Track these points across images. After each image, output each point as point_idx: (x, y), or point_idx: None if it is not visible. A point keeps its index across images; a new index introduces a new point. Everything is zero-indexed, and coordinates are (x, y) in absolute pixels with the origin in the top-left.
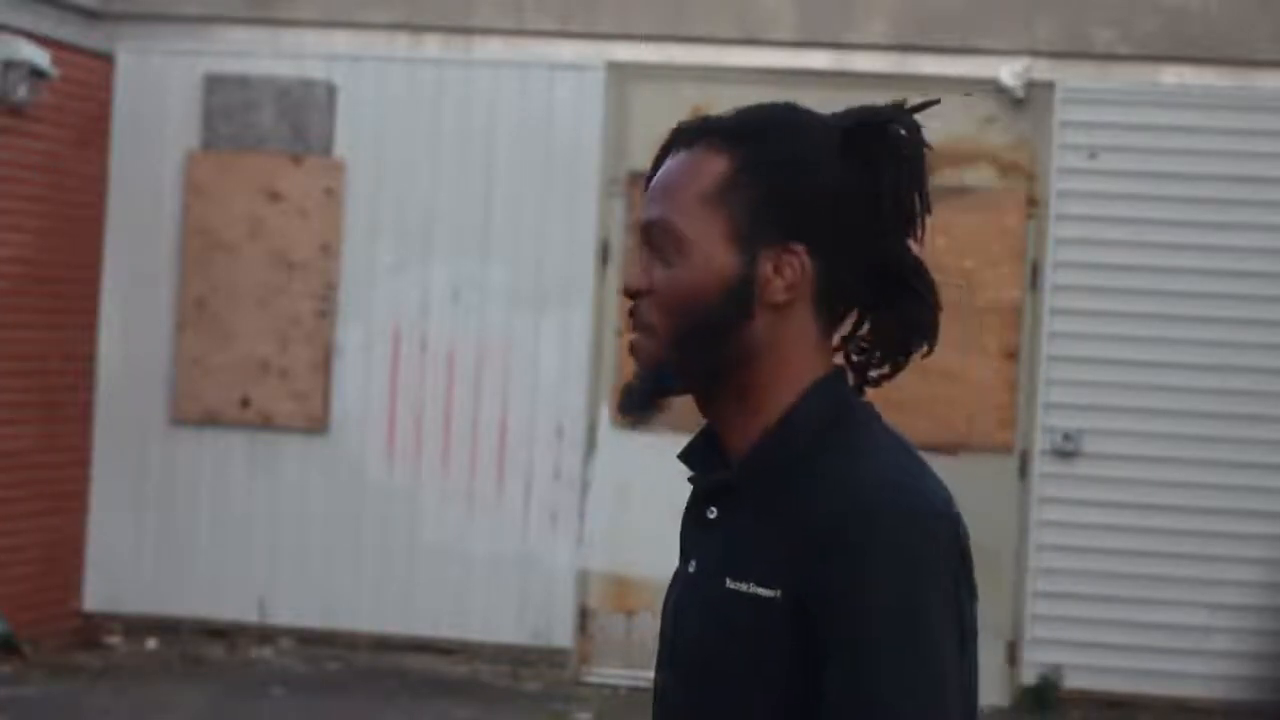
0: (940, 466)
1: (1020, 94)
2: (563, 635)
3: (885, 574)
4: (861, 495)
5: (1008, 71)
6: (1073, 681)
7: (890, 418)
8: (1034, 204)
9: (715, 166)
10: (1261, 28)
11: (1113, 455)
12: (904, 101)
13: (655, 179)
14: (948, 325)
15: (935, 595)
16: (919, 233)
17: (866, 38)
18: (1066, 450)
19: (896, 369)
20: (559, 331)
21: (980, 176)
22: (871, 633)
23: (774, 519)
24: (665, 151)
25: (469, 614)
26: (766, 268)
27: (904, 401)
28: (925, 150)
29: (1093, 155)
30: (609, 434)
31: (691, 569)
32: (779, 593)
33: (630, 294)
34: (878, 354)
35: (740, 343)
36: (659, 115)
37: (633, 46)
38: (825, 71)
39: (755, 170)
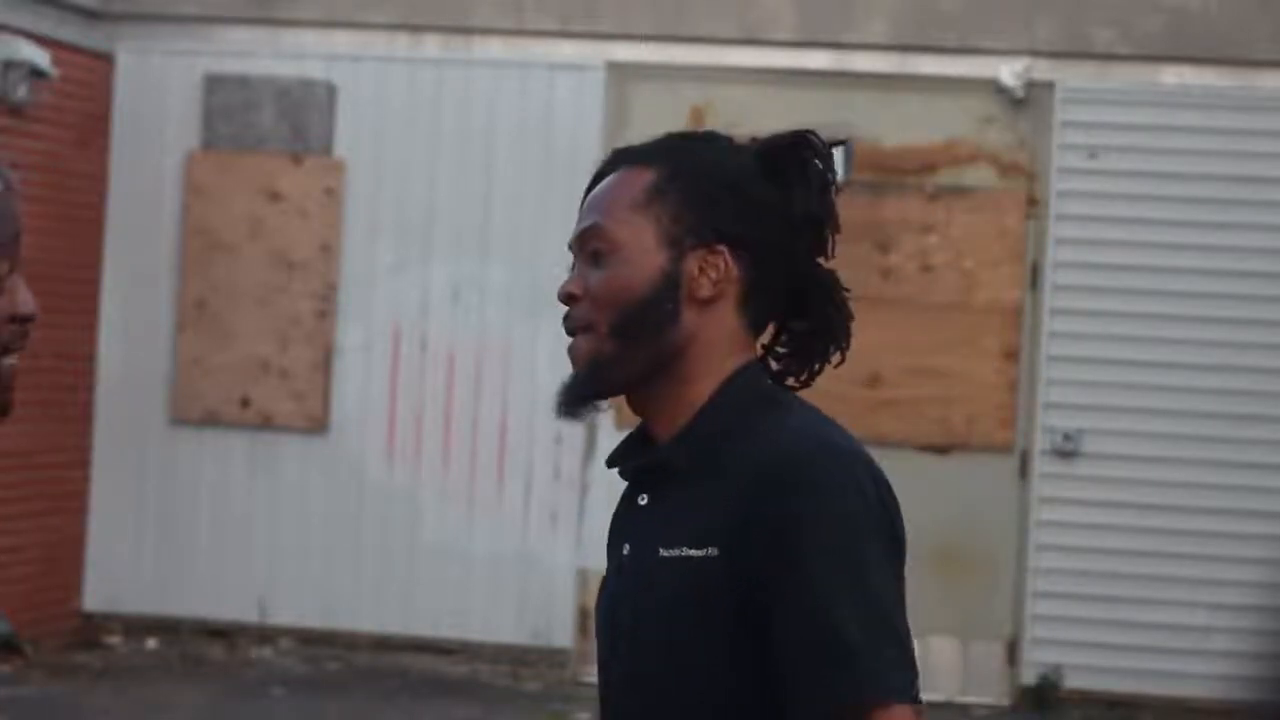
0: (940, 466)
1: (1020, 94)
2: (563, 635)
3: (818, 504)
4: (789, 444)
5: (1008, 71)
6: (1073, 681)
7: (890, 417)
8: (1034, 204)
9: (642, 178)
10: (1261, 28)
11: (1113, 455)
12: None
13: (588, 199)
14: (948, 325)
15: (872, 525)
16: (829, 251)
17: (866, 38)
18: (1066, 450)
19: (812, 376)
20: (559, 332)
21: (980, 176)
22: (812, 561)
23: (704, 485)
24: (595, 181)
25: (469, 614)
26: (693, 266)
27: (904, 401)
28: (833, 176)
29: (1093, 155)
30: (609, 434)
31: (625, 552)
32: (712, 550)
33: (565, 299)
34: (794, 361)
35: (671, 336)
36: (659, 115)
37: (633, 46)
38: (825, 71)
39: (678, 179)
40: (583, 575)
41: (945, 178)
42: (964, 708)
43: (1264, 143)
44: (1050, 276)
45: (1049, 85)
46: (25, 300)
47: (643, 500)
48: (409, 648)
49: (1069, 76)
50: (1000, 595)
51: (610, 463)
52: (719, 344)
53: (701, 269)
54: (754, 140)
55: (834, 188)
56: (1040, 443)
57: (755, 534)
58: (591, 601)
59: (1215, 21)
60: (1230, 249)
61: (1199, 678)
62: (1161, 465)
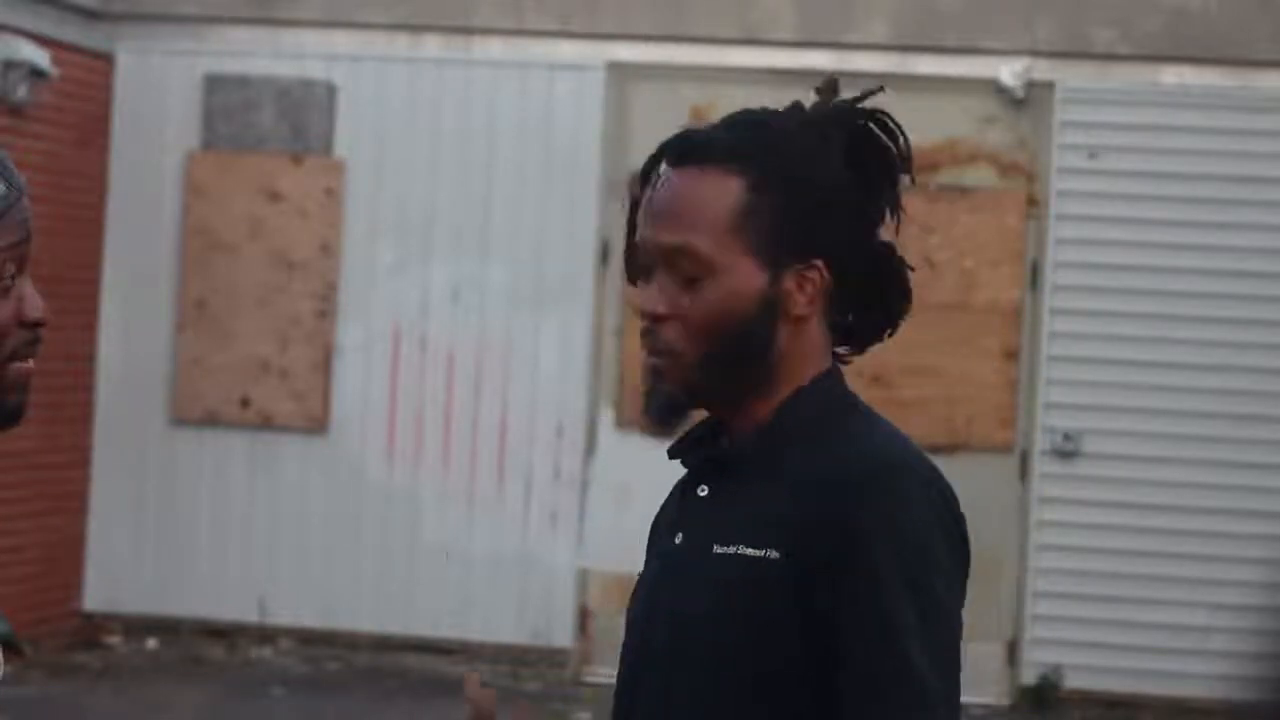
0: (941, 467)
1: (1020, 94)
2: (563, 635)
3: (893, 519)
4: (864, 455)
5: (1008, 71)
6: (1073, 681)
7: (891, 417)
8: (1034, 204)
9: (730, 189)
10: (1261, 28)
11: (1113, 455)
12: (868, 95)
13: (662, 200)
14: (948, 325)
15: (943, 554)
16: (896, 225)
17: (866, 38)
18: (1066, 450)
19: (862, 351)
20: (559, 331)
21: (980, 176)
22: (884, 576)
23: (768, 485)
24: (649, 173)
25: (469, 614)
26: (790, 284)
27: (904, 401)
28: (909, 150)
29: (1093, 155)
30: (609, 434)
31: (677, 541)
32: (772, 552)
33: (650, 318)
34: (853, 333)
35: (765, 358)
36: (659, 115)
37: (633, 46)
38: (825, 71)
39: (771, 190)
40: (583, 575)
41: (945, 177)
42: (964, 707)
43: (1264, 143)
44: (1050, 276)
45: (1049, 85)
46: (34, 305)
47: (703, 491)
48: (409, 648)
49: (1069, 76)
50: (1000, 595)
51: (673, 453)
52: (807, 352)
53: (799, 285)
54: (820, 114)
55: (909, 173)
56: (1040, 443)
57: (823, 540)
58: (592, 602)
59: (1215, 21)
60: (1230, 249)
61: (1199, 678)
62: (1161, 465)
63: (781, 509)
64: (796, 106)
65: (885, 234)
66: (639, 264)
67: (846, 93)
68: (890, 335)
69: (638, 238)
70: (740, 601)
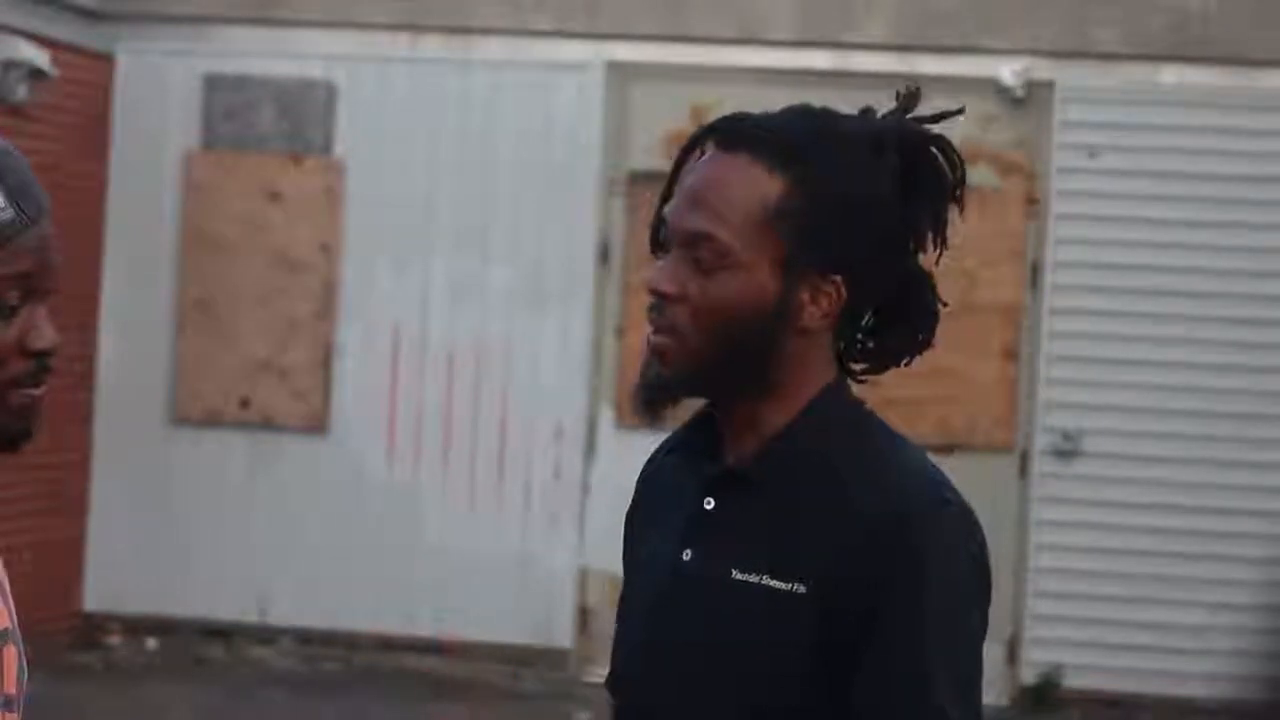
0: (939, 467)
1: (1020, 94)
2: (563, 635)
3: (939, 572)
4: (903, 492)
5: (1008, 71)
6: (1073, 681)
7: (890, 417)
8: (1034, 204)
9: (768, 188)
10: (1261, 28)
11: (1113, 455)
12: (935, 115)
13: (697, 184)
14: (948, 325)
15: (976, 588)
16: (936, 258)
17: (866, 38)
18: (1066, 450)
19: (883, 370)
20: (559, 331)
21: (980, 176)
22: (919, 621)
23: (787, 508)
24: (695, 146)
25: (469, 614)
26: (804, 294)
27: (904, 401)
28: (964, 181)
29: (1093, 155)
30: (609, 434)
31: (686, 557)
32: (799, 586)
33: (658, 294)
34: (873, 356)
35: (768, 360)
36: (659, 115)
37: (633, 46)
38: (825, 71)
39: (807, 199)
40: (583, 575)
41: None
42: None
43: (1264, 142)
44: (1050, 276)
45: (1049, 85)
46: (41, 335)
47: (709, 504)
48: (409, 648)
49: (1069, 76)
50: (1000, 595)
51: (674, 446)
52: (814, 364)
53: (813, 297)
54: (875, 125)
55: (960, 204)
56: (1040, 443)
57: (857, 579)
58: (592, 601)
59: (1215, 21)
60: (1230, 249)
61: (1199, 678)
62: (1161, 465)
63: (808, 539)
64: (866, 113)
65: (924, 261)
66: (660, 239)
67: (845, 91)
68: (908, 364)
69: (665, 211)
70: (764, 636)
